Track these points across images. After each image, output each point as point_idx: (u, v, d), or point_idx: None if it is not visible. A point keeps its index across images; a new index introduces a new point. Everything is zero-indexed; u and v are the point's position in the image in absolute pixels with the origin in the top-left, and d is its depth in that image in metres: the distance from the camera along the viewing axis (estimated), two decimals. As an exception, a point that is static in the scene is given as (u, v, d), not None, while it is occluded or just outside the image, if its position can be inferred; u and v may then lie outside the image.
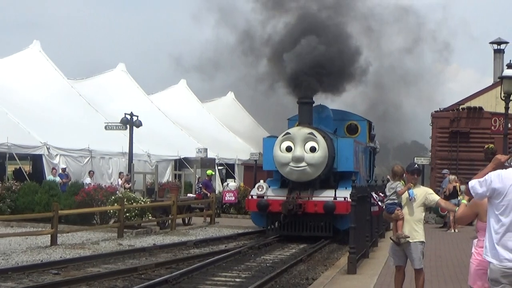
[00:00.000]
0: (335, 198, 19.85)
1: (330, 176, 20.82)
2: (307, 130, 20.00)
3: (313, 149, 19.74)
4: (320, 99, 24.02)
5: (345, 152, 20.85)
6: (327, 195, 20.16)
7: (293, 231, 20.26)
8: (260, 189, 20.93)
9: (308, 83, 20.77)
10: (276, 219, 20.62)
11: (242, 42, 26.20)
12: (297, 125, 20.79)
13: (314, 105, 21.80)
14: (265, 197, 20.72)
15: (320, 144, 19.76)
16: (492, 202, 6.72)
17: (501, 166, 7.04)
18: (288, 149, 20.02)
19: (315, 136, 19.81)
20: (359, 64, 24.69)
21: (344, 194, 19.54)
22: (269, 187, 21.52)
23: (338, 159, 20.93)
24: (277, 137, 20.84)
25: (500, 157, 7.37)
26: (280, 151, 20.08)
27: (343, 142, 21.02)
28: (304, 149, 19.86)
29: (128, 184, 29.31)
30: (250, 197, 21.59)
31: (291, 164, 20.05)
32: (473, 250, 7.38)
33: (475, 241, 7.38)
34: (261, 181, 21.91)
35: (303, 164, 19.92)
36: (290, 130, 20.56)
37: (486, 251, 6.73)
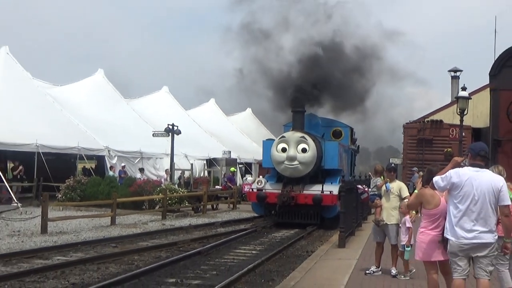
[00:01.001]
0: (322, 191, 18.99)
1: (318, 173, 20.08)
2: (299, 134, 19.45)
3: (304, 150, 19.09)
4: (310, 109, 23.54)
5: (331, 152, 20.26)
6: (315, 189, 19.27)
7: (287, 219, 19.52)
8: (259, 183, 20.16)
9: (301, 96, 20.69)
10: (272, 208, 19.90)
11: (259, 73, 25.78)
12: (291, 130, 20.18)
13: (305, 113, 21.26)
14: (263, 190, 19.87)
15: (310, 146, 19.16)
16: (452, 193, 6.72)
17: (458, 165, 7.13)
18: (283, 149, 19.32)
19: (306, 139, 19.25)
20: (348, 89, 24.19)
21: (330, 188, 19.14)
22: (267, 181, 20.59)
23: (325, 159, 20.19)
24: (274, 140, 20.53)
25: (457, 158, 7.51)
26: (277, 151, 19.49)
27: (329, 145, 20.47)
28: (297, 150, 19.13)
29: (168, 178, 29.30)
30: (250, 190, 20.82)
31: (286, 162, 19.29)
32: (420, 229, 7.45)
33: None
34: (260, 176, 21.78)
35: (296, 162, 19.13)
36: (285, 134, 19.98)
37: (446, 231, 6.74)
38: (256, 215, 22.21)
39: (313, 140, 19.44)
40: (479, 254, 6.53)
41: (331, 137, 22.29)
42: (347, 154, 23.70)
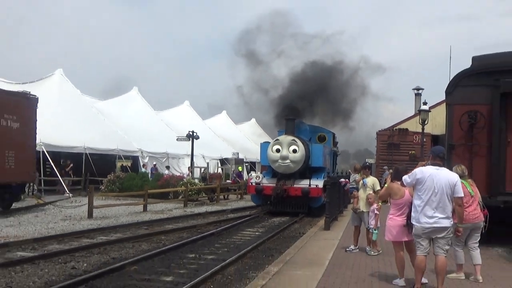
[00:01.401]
0: (309, 185, 18.67)
1: (306, 170, 19.60)
2: (290, 138, 19.14)
3: (294, 151, 18.84)
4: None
5: (317, 153, 19.88)
6: (304, 183, 18.88)
7: (280, 208, 18.98)
8: (257, 178, 19.70)
9: (292, 108, 20.51)
10: (268, 199, 19.21)
11: (261, 91, 24.97)
12: (284, 134, 19.77)
13: (296, 121, 20.76)
14: (260, 184, 19.40)
15: (300, 147, 18.90)
16: (416, 187, 6.77)
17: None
18: (278, 150, 18.96)
19: (296, 142, 19.00)
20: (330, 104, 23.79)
21: (316, 182, 18.86)
22: (264, 177, 20.05)
23: (312, 158, 19.79)
24: (270, 142, 20.18)
25: (422, 162, 7.57)
26: (272, 152, 19.14)
27: (315, 147, 20.10)
28: (289, 151, 18.81)
29: (191, 174, 29.30)
30: (250, 183, 20.21)
31: (279, 161, 18.88)
32: (388, 216, 7.52)
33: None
34: (258, 172, 21.44)
35: (288, 161, 18.78)
36: (279, 137, 19.61)
37: (412, 218, 6.76)
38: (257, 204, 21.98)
39: (302, 143, 19.14)
40: (438, 236, 6.60)
41: (316, 141, 22.01)
42: (330, 155, 23.31)
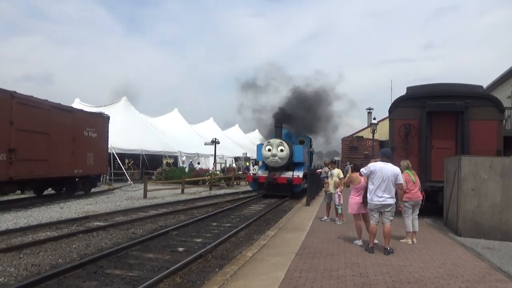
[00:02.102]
0: (293, 175, 17.98)
1: (290, 164, 18.68)
2: (278, 140, 18.36)
3: (282, 150, 18.07)
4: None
5: (298, 152, 18.94)
6: (288, 174, 18.15)
7: (271, 192, 18.11)
8: (254, 170, 19.17)
9: (279, 119, 19.40)
10: (262, 186, 18.43)
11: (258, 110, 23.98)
12: (274, 138, 18.86)
13: (283, 128, 19.94)
14: (256, 174, 18.70)
15: (285, 147, 18.14)
16: (370, 177, 6.71)
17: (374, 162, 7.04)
18: (269, 150, 18.18)
19: (283, 143, 18.25)
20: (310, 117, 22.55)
21: (297, 173, 18.18)
22: (259, 169, 19.21)
23: (294, 156, 18.81)
24: (263, 144, 19.17)
25: (374, 160, 7.58)
26: (265, 151, 18.34)
27: (297, 147, 19.11)
28: (277, 150, 18.04)
29: (214, 168, 29.21)
30: (248, 174, 19.63)
31: (270, 157, 18.10)
32: (350, 196, 7.45)
33: (351, 194, 7.25)
34: (256, 166, 19.84)
35: (276, 157, 18.01)
36: (270, 140, 18.70)
37: (368, 198, 6.67)
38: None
39: (287, 144, 18.48)
40: (385, 210, 6.53)
41: (297, 143, 21.05)
42: (308, 154, 22.48)
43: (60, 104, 14.79)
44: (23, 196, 15.64)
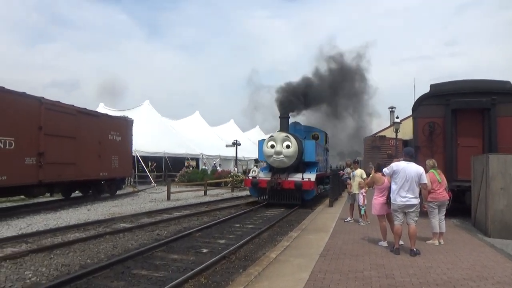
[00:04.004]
0: (302, 179, 14.44)
1: (300, 164, 15.28)
2: (284, 134, 14.90)
3: (288, 146, 14.61)
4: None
5: (309, 149, 15.50)
6: (297, 177, 14.66)
7: (275, 200, 14.85)
8: (253, 173, 15.56)
9: (286, 107, 15.82)
10: (264, 192, 15.10)
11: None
12: (278, 132, 15.50)
13: (292, 121, 16.76)
14: (257, 178, 15.23)
15: (293, 143, 14.67)
16: (393, 176, 6.61)
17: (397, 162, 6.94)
18: (272, 146, 14.81)
19: (289, 138, 14.77)
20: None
21: (308, 176, 14.60)
22: (262, 171, 15.89)
23: (305, 154, 15.42)
24: (265, 139, 15.95)
25: (396, 159, 7.42)
26: (267, 147, 14.95)
27: (308, 143, 15.70)
28: (282, 146, 14.64)
29: (236, 169, 29.34)
30: (247, 177, 15.82)
31: (274, 156, 14.71)
32: (373, 197, 7.31)
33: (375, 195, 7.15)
34: (255, 167, 17.02)
35: (281, 156, 14.61)
36: (273, 134, 15.33)
37: (392, 198, 6.58)
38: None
39: (295, 139, 15.02)
40: (409, 210, 6.42)
41: (310, 139, 17.20)
42: (323, 151, 18.90)
43: (85, 108, 15.20)
44: (52, 198, 16.12)
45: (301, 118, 19.36)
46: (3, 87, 11.01)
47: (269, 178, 14.88)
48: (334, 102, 18.98)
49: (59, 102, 13.50)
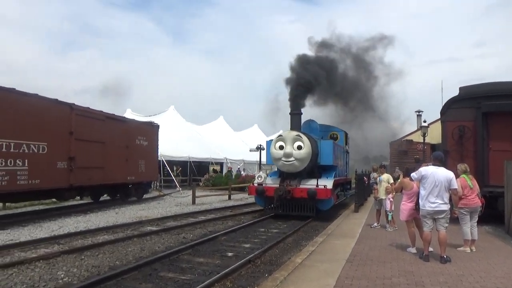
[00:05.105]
0: (317, 186, 12.04)
1: (315, 169, 12.90)
2: (295, 133, 12.59)
3: (299, 147, 12.32)
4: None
5: (326, 150, 13.24)
6: (311, 184, 12.30)
7: (285, 211, 12.51)
8: (259, 178, 13.24)
9: (298, 100, 13.46)
10: (272, 201, 12.72)
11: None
12: (288, 130, 13.12)
13: (306, 119, 14.63)
14: (263, 185, 12.91)
15: (305, 143, 12.38)
16: (422, 181, 6.48)
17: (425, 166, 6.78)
18: (281, 147, 12.57)
19: (301, 137, 12.45)
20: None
21: (324, 182, 12.26)
22: (270, 176, 13.80)
23: (321, 156, 13.14)
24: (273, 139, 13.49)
25: (425, 164, 7.24)
26: (275, 149, 12.73)
27: (324, 143, 13.45)
28: (293, 147, 12.35)
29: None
30: (251, 184, 13.64)
31: (283, 159, 12.47)
32: (402, 202, 7.16)
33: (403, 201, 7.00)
34: (261, 172, 14.60)
35: (292, 158, 12.31)
36: (282, 133, 13.10)
37: (420, 204, 6.45)
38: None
39: (308, 139, 12.67)
40: (439, 216, 6.25)
41: (328, 139, 14.76)
42: (342, 154, 16.27)
43: (114, 114, 15.61)
44: (81, 202, 16.60)
45: (317, 114, 18.09)
46: (37, 94, 11.47)
47: (278, 185, 12.63)
48: (364, 97, 17.52)
49: (89, 108, 13.93)
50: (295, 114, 13.26)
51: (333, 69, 15.10)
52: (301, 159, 12.44)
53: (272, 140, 13.38)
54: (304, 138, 12.56)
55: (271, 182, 13.13)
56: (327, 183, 12.33)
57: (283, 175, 13.05)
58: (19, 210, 14.15)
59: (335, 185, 13.08)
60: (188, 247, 7.89)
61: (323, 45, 16.23)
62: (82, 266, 6.67)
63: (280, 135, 13.05)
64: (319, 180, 12.41)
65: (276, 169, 14.05)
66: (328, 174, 13.26)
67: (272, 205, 12.86)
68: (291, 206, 12.49)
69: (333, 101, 16.96)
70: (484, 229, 9.52)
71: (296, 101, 13.41)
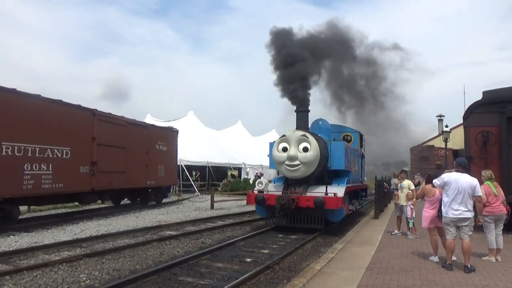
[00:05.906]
0: (326, 194, 10.30)
1: (324, 174, 11.46)
2: (300, 133, 10.74)
3: (305, 149, 10.54)
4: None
5: (337, 153, 11.51)
6: (319, 191, 10.57)
7: (289, 223, 10.88)
8: (260, 185, 11.49)
9: (304, 95, 11.54)
10: (274, 211, 10.84)
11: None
12: (293, 130, 11.18)
13: (316, 119, 13.06)
14: (264, 192, 11.20)
15: (312, 144, 10.57)
16: (445, 188, 6.33)
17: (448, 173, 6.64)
18: (284, 149, 10.79)
19: (308, 138, 10.63)
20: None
21: (334, 190, 10.50)
22: (274, 182, 12.10)
23: (331, 159, 11.49)
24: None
25: (447, 170, 7.08)
26: (277, 151, 10.95)
27: (335, 145, 11.70)
28: (298, 149, 10.59)
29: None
30: (251, 191, 11.69)
31: (286, 162, 10.68)
32: (424, 209, 7.01)
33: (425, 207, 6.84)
34: (262, 178, 13.43)
35: (297, 162, 10.54)
36: (286, 133, 11.03)
37: (443, 211, 6.31)
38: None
39: (316, 139, 10.83)
40: (463, 224, 6.08)
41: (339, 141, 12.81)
42: (356, 157, 14.43)
43: (134, 120, 15.88)
44: (103, 205, 16.91)
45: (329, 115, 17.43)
46: (61, 100, 11.78)
47: (281, 193, 10.87)
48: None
49: (110, 113, 14.22)
50: (301, 111, 11.46)
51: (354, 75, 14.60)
52: (307, 162, 10.68)
53: (275, 141, 11.55)
54: (311, 138, 10.79)
55: (274, 190, 11.47)
56: (337, 190, 10.61)
57: (288, 181, 11.38)
58: (43, 213, 14.52)
59: (348, 192, 11.53)
60: (207, 252, 7.92)
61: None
62: (103, 269, 6.78)
63: (283, 135, 11.19)
64: (328, 187, 10.86)
65: (277, 175, 12.57)
66: (340, 180, 11.68)
67: (275, 216, 11.08)
68: (296, 217, 10.83)
69: (360, 104, 16.27)
70: (510, 238, 9.22)
71: (303, 97, 11.71)
